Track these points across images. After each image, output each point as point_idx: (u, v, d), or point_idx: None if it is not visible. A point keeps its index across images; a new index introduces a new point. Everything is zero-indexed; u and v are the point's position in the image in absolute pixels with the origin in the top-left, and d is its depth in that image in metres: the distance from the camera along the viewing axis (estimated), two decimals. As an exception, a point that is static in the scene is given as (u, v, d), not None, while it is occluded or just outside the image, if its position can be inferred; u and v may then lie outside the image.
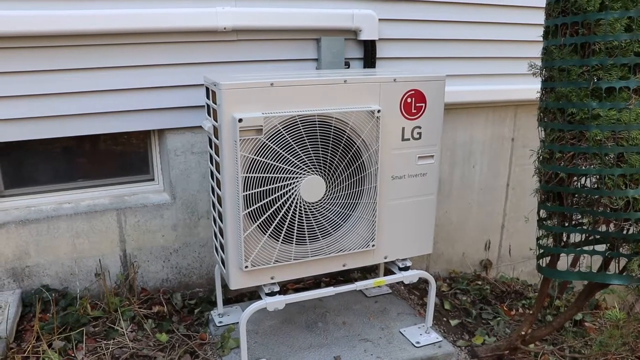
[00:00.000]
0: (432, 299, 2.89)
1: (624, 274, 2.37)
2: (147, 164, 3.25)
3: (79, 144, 3.08)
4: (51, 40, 2.68)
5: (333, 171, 2.45)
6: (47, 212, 2.96)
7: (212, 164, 2.55)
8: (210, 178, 2.63)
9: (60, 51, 2.72)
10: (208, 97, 2.45)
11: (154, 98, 2.96)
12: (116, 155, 3.18)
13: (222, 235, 2.50)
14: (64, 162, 3.07)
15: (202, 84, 2.50)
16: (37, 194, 3.03)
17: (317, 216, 2.49)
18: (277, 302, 2.51)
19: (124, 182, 3.20)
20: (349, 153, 2.46)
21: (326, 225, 2.52)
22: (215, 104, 2.31)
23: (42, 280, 2.99)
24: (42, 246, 2.95)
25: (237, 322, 2.78)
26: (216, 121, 2.34)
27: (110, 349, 2.73)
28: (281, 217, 2.41)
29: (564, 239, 2.51)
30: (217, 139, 2.35)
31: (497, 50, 3.77)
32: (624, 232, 2.31)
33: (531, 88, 2.64)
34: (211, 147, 2.51)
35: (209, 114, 2.49)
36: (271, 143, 2.29)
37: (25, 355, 2.60)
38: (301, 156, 2.36)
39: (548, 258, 2.59)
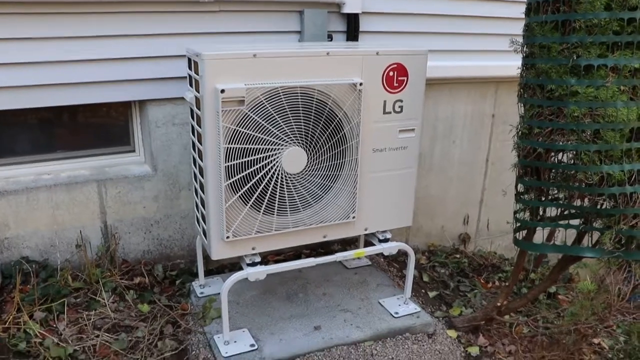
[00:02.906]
0: (411, 271, 2.95)
1: (597, 247, 2.44)
2: (128, 135, 3.23)
3: (59, 115, 3.05)
4: (28, 7, 2.63)
5: (315, 143, 2.46)
6: (26, 184, 2.94)
7: (193, 135, 2.55)
8: (191, 149, 2.63)
9: (38, 19, 2.67)
10: (190, 68, 2.44)
11: (134, 68, 2.93)
12: (96, 127, 3.15)
13: (203, 206, 2.51)
14: (43, 133, 3.04)
15: (184, 55, 2.49)
16: (16, 164, 3.00)
17: (298, 187, 2.51)
18: (259, 272, 2.54)
19: (104, 154, 3.18)
20: (331, 125, 2.47)
21: (307, 196, 2.54)
22: (198, 74, 2.30)
23: (22, 252, 2.98)
24: (22, 217, 2.93)
25: (219, 293, 2.81)
26: (198, 92, 2.33)
27: (92, 320, 2.75)
28: (263, 188, 2.43)
29: (541, 213, 2.56)
30: (199, 110, 2.34)
31: (480, 27, 3.78)
32: (598, 206, 2.37)
33: (512, 65, 2.66)
34: (193, 118, 2.51)
35: (190, 85, 2.48)
36: (253, 114, 2.30)
37: (6, 326, 2.61)
38: (283, 128, 2.37)
39: (525, 231, 2.65)
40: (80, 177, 3.04)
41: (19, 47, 2.69)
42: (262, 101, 2.30)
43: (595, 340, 3.07)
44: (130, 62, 2.92)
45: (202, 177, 2.46)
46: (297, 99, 2.36)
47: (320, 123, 2.44)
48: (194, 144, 2.57)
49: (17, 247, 2.96)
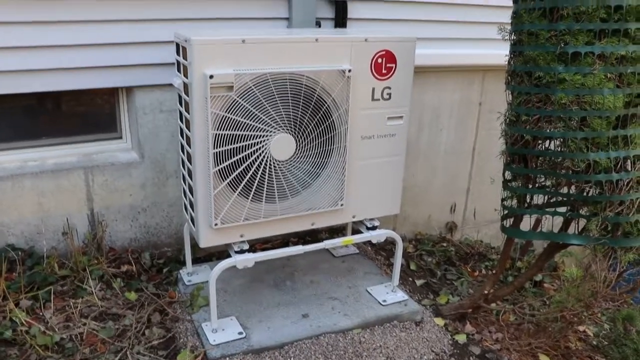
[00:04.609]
0: (398, 258, 2.96)
1: (583, 234, 2.46)
2: (115, 122, 3.20)
3: (45, 101, 3.01)
4: (14, -8, 2.60)
5: (303, 130, 2.46)
6: (12, 170, 2.90)
7: (181, 122, 2.53)
8: (179, 136, 2.61)
9: (22, 3, 2.63)
10: (178, 54, 2.42)
11: (121, 54, 2.90)
12: (83, 113, 3.12)
13: (191, 193, 2.50)
14: (29, 120, 3.00)
15: (172, 41, 2.46)
16: (1, 151, 2.96)
17: (286, 174, 2.50)
18: (247, 259, 2.53)
19: (91, 140, 3.15)
20: (320, 112, 2.47)
21: (296, 183, 2.53)
22: (186, 60, 2.28)
23: (7, 240, 2.95)
24: (7, 205, 2.90)
25: (206, 281, 2.81)
26: (187, 78, 2.31)
27: (79, 308, 2.73)
28: (251, 175, 2.42)
29: (528, 201, 2.58)
30: (188, 96, 2.33)
31: (467, 15, 3.79)
32: (584, 194, 2.39)
33: (499, 53, 2.67)
34: (181, 105, 2.49)
35: (179, 70, 2.46)
36: (242, 100, 2.28)
37: (-9, 313, 2.59)
38: (272, 114, 2.36)
39: (512, 219, 2.67)
40: (67, 164, 3.01)
41: (1, 31, 2.65)
42: (250, 87, 2.28)
43: (581, 328, 3.11)
44: (117, 48, 2.89)
45: (190, 163, 2.44)
46: (286, 85, 2.35)
47: (308, 110, 2.44)
48: (182, 130, 2.56)
49: (2, 234, 2.93)
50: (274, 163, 2.45)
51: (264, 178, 2.46)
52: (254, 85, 2.29)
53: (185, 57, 2.30)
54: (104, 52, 2.87)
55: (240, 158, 2.37)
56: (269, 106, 2.35)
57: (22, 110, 2.98)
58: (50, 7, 2.69)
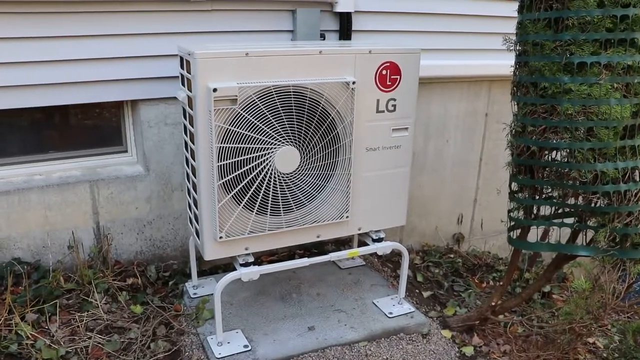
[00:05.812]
0: (405, 270, 2.94)
1: (591, 245, 2.44)
2: (120, 135, 3.21)
3: (50, 115, 3.03)
4: (18, 7, 2.62)
5: (308, 142, 2.45)
6: (18, 184, 2.91)
7: (186, 135, 2.54)
8: (184, 149, 2.62)
9: (28, 18, 2.66)
10: (182, 67, 2.42)
11: (126, 68, 2.91)
12: (88, 127, 3.13)
13: (196, 206, 2.50)
14: (34, 134, 3.02)
15: (176, 55, 2.47)
16: (7, 165, 2.98)
17: (291, 187, 2.49)
18: (252, 272, 2.52)
19: (96, 154, 3.16)
20: (324, 124, 2.46)
21: (300, 196, 2.53)
22: (190, 73, 2.29)
23: (14, 253, 2.95)
24: (13, 219, 2.91)
25: (212, 294, 2.80)
26: (190, 91, 2.32)
27: (85, 321, 2.72)
28: (256, 188, 2.41)
29: (535, 212, 2.56)
30: (192, 109, 2.33)
31: (472, 25, 3.78)
32: (592, 204, 2.36)
33: (505, 64, 2.66)
34: (185, 118, 2.49)
35: (183, 84, 2.47)
36: (246, 113, 2.28)
37: (-3, 327, 2.59)
38: (276, 127, 2.36)
39: (519, 230, 2.65)
40: (72, 177, 3.02)
41: (8, 47, 2.67)
42: (254, 100, 2.28)
43: (590, 340, 3.07)
44: (122, 62, 2.90)
45: (195, 177, 2.44)
46: (290, 97, 2.35)
47: (313, 122, 2.43)
48: (186, 143, 2.56)
49: (8, 248, 2.94)
50: (278, 176, 2.44)
51: (269, 191, 2.45)
52: (257, 98, 2.29)
53: (189, 71, 2.31)
54: (109, 65, 2.88)
55: (244, 171, 2.37)
56: (273, 119, 2.34)
57: (28, 125, 2.99)
58: (56, 23, 2.71)
